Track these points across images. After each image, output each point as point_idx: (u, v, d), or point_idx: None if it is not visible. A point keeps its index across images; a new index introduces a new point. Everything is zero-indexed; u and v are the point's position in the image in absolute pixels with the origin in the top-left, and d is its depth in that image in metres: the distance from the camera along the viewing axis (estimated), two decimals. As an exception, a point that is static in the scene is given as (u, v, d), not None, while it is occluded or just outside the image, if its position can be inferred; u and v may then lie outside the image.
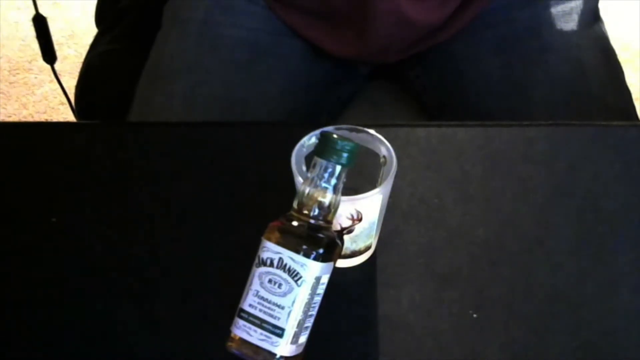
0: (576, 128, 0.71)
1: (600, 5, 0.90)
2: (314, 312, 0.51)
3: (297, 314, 0.49)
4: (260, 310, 0.49)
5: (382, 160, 0.57)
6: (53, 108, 1.80)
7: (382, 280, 0.60)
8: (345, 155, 0.50)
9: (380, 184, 0.55)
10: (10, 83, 1.86)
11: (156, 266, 0.62)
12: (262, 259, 0.50)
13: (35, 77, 1.87)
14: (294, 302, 0.49)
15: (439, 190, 0.65)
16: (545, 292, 0.60)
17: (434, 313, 0.58)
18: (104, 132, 0.73)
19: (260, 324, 0.49)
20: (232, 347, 0.50)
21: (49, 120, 1.76)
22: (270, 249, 0.50)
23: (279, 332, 0.49)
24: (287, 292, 0.49)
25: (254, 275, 0.50)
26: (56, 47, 0.99)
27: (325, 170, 0.50)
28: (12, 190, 0.68)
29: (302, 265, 0.49)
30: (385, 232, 0.61)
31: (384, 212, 0.58)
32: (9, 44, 1.94)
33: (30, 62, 1.90)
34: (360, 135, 0.57)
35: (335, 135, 0.50)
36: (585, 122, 0.75)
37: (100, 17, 1.06)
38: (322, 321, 0.52)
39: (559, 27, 0.85)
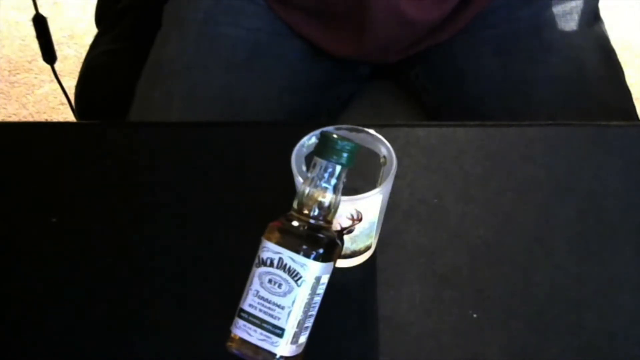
0: (576, 128, 0.71)
1: (600, 5, 0.90)
2: (314, 312, 0.51)
3: (297, 314, 0.49)
4: (260, 310, 0.49)
5: (382, 160, 0.57)
6: (53, 108, 1.80)
7: (382, 280, 0.60)
8: (345, 155, 0.50)
9: (380, 184, 0.55)
10: (10, 83, 1.86)
11: (156, 266, 0.62)
12: (262, 259, 0.50)
13: (35, 77, 1.86)
14: (294, 302, 0.49)
15: (439, 190, 0.65)
16: (545, 292, 0.59)
17: (434, 313, 0.58)
18: (104, 132, 0.73)
19: (260, 324, 0.49)
20: (232, 347, 0.50)
21: (49, 120, 1.75)
22: (270, 249, 0.50)
23: (279, 332, 0.49)
24: (287, 292, 0.49)
25: (254, 275, 0.50)
26: (56, 47, 0.99)
27: (325, 170, 0.50)
28: (12, 190, 0.68)
29: (302, 265, 0.49)
30: (385, 232, 0.61)
31: (384, 212, 0.58)
32: (9, 44, 1.94)
33: (30, 62, 1.90)
34: (360, 135, 0.57)
35: (335, 135, 0.50)
36: (585, 122, 0.74)
37: (100, 17, 1.06)
38: (322, 321, 0.52)
39: (559, 27, 0.85)
